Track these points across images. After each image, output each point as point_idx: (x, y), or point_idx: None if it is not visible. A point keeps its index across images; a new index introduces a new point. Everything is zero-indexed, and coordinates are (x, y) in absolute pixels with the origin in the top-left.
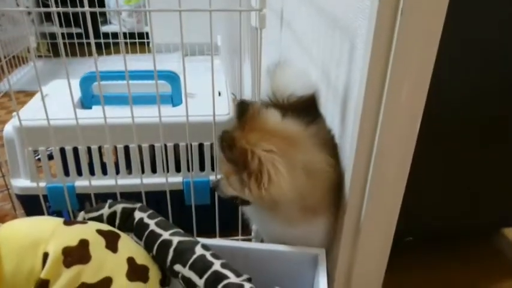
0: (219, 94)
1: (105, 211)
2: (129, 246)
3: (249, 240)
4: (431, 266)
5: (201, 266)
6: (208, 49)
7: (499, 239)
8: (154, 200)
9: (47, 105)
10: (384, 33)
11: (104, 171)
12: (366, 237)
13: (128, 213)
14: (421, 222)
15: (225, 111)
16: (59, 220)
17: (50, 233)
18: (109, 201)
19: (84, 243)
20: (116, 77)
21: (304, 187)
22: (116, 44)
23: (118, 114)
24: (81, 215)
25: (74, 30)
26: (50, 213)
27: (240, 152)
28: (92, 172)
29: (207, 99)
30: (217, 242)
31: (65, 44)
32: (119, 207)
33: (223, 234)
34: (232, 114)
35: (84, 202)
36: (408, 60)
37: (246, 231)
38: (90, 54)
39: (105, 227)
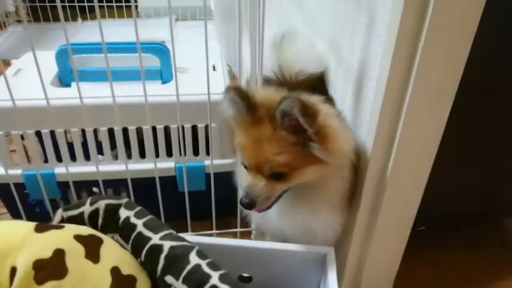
0: (214, 68)
1: (86, 209)
2: (113, 253)
3: (249, 232)
4: (440, 248)
5: (196, 279)
6: (200, 13)
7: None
8: (146, 186)
9: (20, 82)
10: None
11: (87, 157)
12: (380, 234)
13: (112, 211)
14: (435, 211)
15: (220, 88)
16: (31, 225)
17: (19, 241)
18: (90, 197)
19: (59, 254)
20: (97, 49)
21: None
22: (101, 8)
23: (102, 92)
24: (59, 213)
25: None
26: (30, 203)
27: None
28: (73, 158)
29: (200, 74)
30: (218, 241)
31: (45, 7)
32: (101, 204)
33: (219, 221)
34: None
35: (67, 190)
36: (443, 34)
37: (243, 223)
38: (73, 18)
39: (85, 231)
